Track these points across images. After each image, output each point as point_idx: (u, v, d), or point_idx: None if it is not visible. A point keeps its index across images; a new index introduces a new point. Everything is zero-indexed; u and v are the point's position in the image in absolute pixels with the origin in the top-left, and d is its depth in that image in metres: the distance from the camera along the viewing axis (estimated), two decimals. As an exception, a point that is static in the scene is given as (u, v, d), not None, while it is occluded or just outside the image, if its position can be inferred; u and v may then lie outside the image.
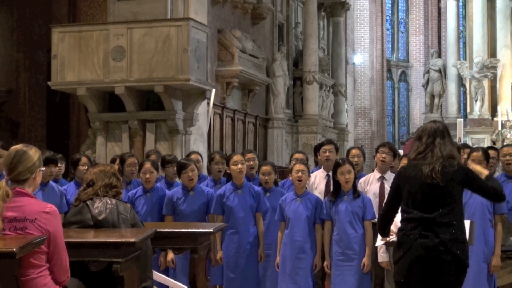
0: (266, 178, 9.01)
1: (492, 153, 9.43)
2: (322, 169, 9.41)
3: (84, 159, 9.84)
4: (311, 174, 9.19)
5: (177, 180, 9.54)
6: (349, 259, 7.98)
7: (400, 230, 5.60)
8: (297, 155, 10.08)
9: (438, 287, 5.47)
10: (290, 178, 8.80)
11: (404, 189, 5.60)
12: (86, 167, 9.29)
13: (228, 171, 9.07)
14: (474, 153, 8.10)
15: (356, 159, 9.15)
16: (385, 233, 5.96)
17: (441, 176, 5.43)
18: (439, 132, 5.65)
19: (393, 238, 5.86)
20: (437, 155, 5.53)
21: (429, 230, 5.42)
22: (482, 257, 7.75)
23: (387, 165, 8.71)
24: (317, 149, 10.21)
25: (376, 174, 8.64)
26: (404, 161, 8.31)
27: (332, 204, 8.13)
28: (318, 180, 9.22)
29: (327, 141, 9.65)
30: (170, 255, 8.55)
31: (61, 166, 9.70)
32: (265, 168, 9.11)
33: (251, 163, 9.44)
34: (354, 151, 9.49)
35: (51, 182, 9.00)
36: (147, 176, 9.04)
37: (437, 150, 5.55)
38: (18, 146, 5.13)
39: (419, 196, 5.50)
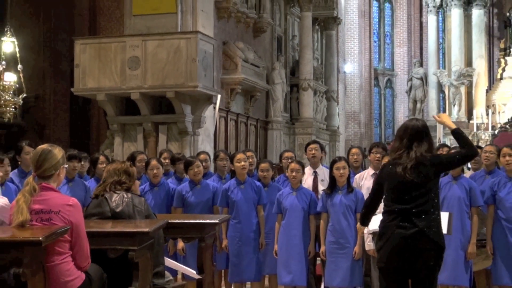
0: (264, 174, 9.03)
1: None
2: (309, 166, 9.42)
3: (102, 158, 9.86)
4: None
5: (186, 175, 9.55)
6: (342, 247, 7.97)
7: (381, 221, 5.54)
8: (287, 154, 10.11)
9: (417, 272, 5.41)
10: (286, 174, 8.83)
11: (385, 185, 5.56)
12: (104, 165, 9.32)
13: (232, 168, 9.11)
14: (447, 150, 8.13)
15: (355, 157, 9.22)
16: (365, 223, 5.97)
17: (414, 173, 5.35)
18: (419, 133, 5.53)
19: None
20: (411, 157, 5.41)
21: (407, 221, 5.35)
22: (459, 245, 7.74)
23: (381, 163, 8.74)
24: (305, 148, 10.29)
25: (370, 171, 8.65)
26: (386, 159, 8.32)
27: (328, 197, 8.14)
28: (306, 176, 9.22)
29: (312, 141, 9.70)
30: (181, 244, 8.55)
31: (85, 164, 9.70)
32: (263, 165, 9.15)
33: (250, 160, 9.44)
34: (354, 150, 9.51)
35: (77, 177, 9.01)
36: (154, 171, 9.03)
37: (412, 152, 5.43)
38: (44, 146, 5.14)
39: (396, 192, 5.44)
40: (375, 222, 6.03)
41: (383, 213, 5.57)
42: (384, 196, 5.60)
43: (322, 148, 9.56)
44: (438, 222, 5.45)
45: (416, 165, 5.37)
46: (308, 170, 9.36)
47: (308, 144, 9.53)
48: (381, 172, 5.70)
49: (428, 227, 5.34)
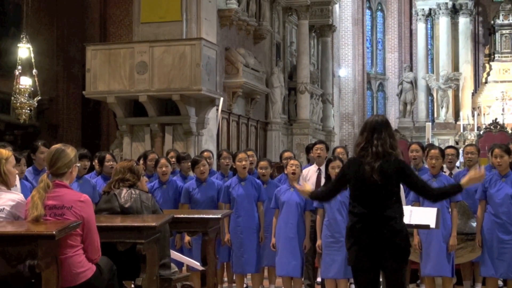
0: (263, 171, 9.06)
1: (451, 151, 9.45)
2: (314, 164, 9.45)
3: (108, 157, 9.82)
4: (304, 170, 9.24)
5: (191, 173, 9.55)
6: (337, 241, 7.93)
7: (349, 221, 5.43)
8: (286, 154, 10.16)
9: (384, 273, 5.32)
10: (286, 172, 8.83)
11: (350, 183, 5.42)
12: (111, 163, 9.34)
13: (234, 166, 9.12)
14: (432, 151, 8.12)
15: (340, 156, 9.20)
16: (312, 198, 6.01)
17: (380, 175, 5.18)
18: (378, 126, 5.36)
19: None
20: (376, 151, 5.24)
21: (371, 225, 5.22)
22: (441, 238, 7.74)
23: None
24: (309, 148, 10.30)
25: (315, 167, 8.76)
26: (338, 150, 8.37)
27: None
28: (310, 174, 9.25)
29: (319, 141, 9.71)
30: (187, 238, 8.56)
31: (95, 162, 9.71)
32: (262, 163, 9.18)
33: (251, 159, 9.47)
34: (339, 150, 9.56)
35: (85, 175, 9.00)
36: (163, 169, 9.04)
37: (376, 146, 5.26)
38: (57, 145, 5.13)
39: (361, 193, 5.30)
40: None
41: (348, 212, 5.45)
42: (349, 194, 5.46)
43: (327, 148, 9.59)
44: (403, 226, 5.30)
45: (381, 165, 5.20)
46: (313, 167, 9.40)
47: (315, 144, 9.55)
48: (346, 168, 5.53)
49: (392, 232, 5.21)
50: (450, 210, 7.84)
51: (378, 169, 5.18)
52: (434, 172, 8.00)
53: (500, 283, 8.75)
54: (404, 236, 5.27)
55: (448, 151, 9.39)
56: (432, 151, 8.11)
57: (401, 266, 5.30)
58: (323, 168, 9.40)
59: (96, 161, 9.66)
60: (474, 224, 8.09)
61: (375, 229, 5.20)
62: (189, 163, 9.55)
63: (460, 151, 12.00)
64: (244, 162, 8.79)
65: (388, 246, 5.18)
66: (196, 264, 6.92)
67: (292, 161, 8.62)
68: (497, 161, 7.84)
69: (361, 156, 5.33)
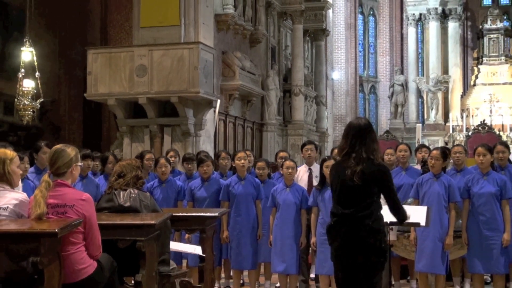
0: (261, 171, 9.07)
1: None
2: (304, 164, 9.45)
3: (111, 157, 9.88)
4: (297, 169, 9.23)
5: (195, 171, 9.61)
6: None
7: (330, 220, 5.39)
8: (281, 154, 10.19)
9: (361, 271, 5.21)
10: (281, 172, 8.84)
11: (333, 185, 5.42)
12: (112, 164, 9.36)
13: (234, 165, 9.14)
14: (434, 151, 8.10)
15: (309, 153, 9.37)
16: None
17: (361, 178, 5.13)
18: (362, 131, 5.29)
19: None
20: (359, 157, 5.19)
21: (348, 225, 5.18)
22: (437, 236, 7.73)
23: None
24: (301, 148, 10.33)
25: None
26: (336, 151, 8.34)
27: (319, 193, 8.10)
28: (301, 174, 9.26)
29: (308, 141, 9.69)
30: (187, 235, 8.58)
31: (98, 162, 9.74)
32: (260, 163, 9.20)
33: (248, 159, 9.49)
34: (335, 151, 9.54)
35: (89, 175, 9.02)
36: (163, 169, 9.09)
37: (359, 151, 5.21)
38: (58, 146, 5.14)
39: (341, 194, 5.27)
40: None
41: (330, 212, 5.42)
42: (332, 196, 5.44)
43: (316, 148, 9.59)
44: (379, 227, 5.24)
45: (363, 170, 5.14)
46: (304, 167, 9.40)
47: (304, 145, 9.54)
48: (331, 172, 5.53)
49: (368, 232, 5.15)
50: (447, 209, 7.84)
51: (360, 173, 5.14)
52: (436, 172, 7.93)
53: (488, 278, 8.77)
54: (381, 236, 5.22)
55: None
56: (434, 151, 8.07)
57: (377, 265, 5.24)
58: (313, 167, 9.42)
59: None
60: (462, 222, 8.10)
61: (353, 229, 5.16)
62: (190, 165, 9.60)
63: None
64: (243, 161, 8.82)
65: (365, 245, 5.14)
66: (195, 248, 6.91)
67: (287, 163, 8.60)
68: (479, 159, 7.89)
69: (343, 160, 5.30)
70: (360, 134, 5.28)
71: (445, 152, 8.19)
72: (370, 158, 5.20)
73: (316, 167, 9.36)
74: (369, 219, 5.15)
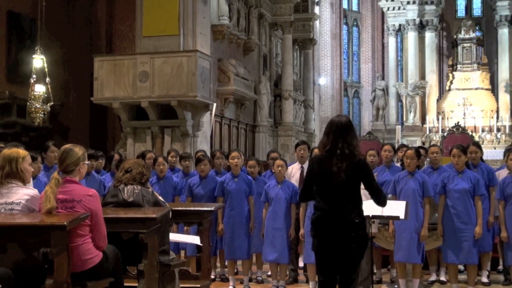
0: (252, 169, 9.07)
1: (421, 151, 9.50)
2: (297, 162, 9.45)
3: (116, 156, 9.89)
4: (289, 167, 9.24)
5: (192, 170, 9.61)
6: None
7: (313, 213, 5.29)
8: (272, 154, 10.22)
9: (344, 261, 5.14)
10: (272, 170, 8.84)
11: (315, 180, 5.25)
12: (116, 162, 9.39)
13: (228, 164, 9.14)
14: (409, 151, 8.11)
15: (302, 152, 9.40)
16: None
17: (346, 174, 5.05)
18: (343, 128, 5.17)
19: None
20: (342, 154, 5.09)
21: (333, 218, 5.10)
22: (413, 229, 7.75)
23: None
24: (295, 147, 10.38)
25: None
26: (316, 151, 8.28)
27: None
28: (294, 171, 9.25)
29: (301, 142, 9.68)
30: (186, 227, 8.57)
31: (102, 161, 9.72)
32: (251, 162, 9.19)
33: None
34: (316, 150, 9.56)
35: (93, 172, 9.02)
36: (161, 167, 9.13)
37: (341, 148, 5.10)
38: (67, 145, 5.15)
39: (326, 190, 5.15)
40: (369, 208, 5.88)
41: (314, 206, 5.31)
42: (315, 191, 5.27)
43: (309, 148, 9.60)
44: (361, 219, 5.17)
45: (348, 166, 5.06)
46: (296, 165, 9.39)
47: (298, 145, 9.53)
48: (312, 168, 5.34)
49: (350, 224, 5.09)
50: (422, 204, 7.86)
51: (345, 169, 5.06)
52: (411, 170, 7.94)
53: (461, 267, 8.80)
54: (363, 228, 5.17)
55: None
56: (409, 151, 8.09)
57: (358, 256, 5.18)
58: (305, 165, 9.41)
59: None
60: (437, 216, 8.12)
61: (337, 222, 5.10)
62: (187, 162, 9.60)
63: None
64: (236, 160, 8.82)
65: (348, 237, 5.08)
66: (194, 239, 6.91)
67: (278, 162, 8.63)
68: (455, 160, 7.93)
69: (326, 156, 5.18)
70: (341, 131, 5.17)
71: (418, 152, 8.23)
72: (353, 154, 5.13)
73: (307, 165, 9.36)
74: (353, 213, 5.12)
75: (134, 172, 5.80)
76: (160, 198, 5.97)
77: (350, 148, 5.13)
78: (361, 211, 5.21)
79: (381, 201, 5.32)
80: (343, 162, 5.08)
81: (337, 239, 5.10)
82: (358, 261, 5.22)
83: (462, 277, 8.65)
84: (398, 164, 9.54)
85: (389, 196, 8.00)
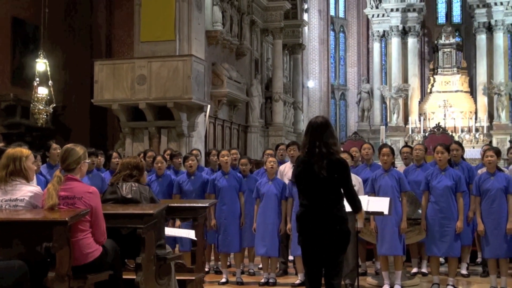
0: (244, 167, 9.10)
1: (406, 150, 9.54)
2: (289, 161, 9.43)
3: (115, 154, 9.91)
4: (281, 166, 9.27)
5: (182, 168, 9.59)
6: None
7: (298, 210, 5.24)
8: (268, 151, 10.21)
9: (328, 254, 5.10)
10: (265, 167, 8.85)
11: (299, 179, 5.22)
12: (117, 159, 9.41)
13: (219, 162, 9.15)
14: (384, 149, 8.13)
15: (282, 152, 9.56)
16: None
17: (327, 172, 5.00)
18: (320, 128, 5.12)
19: None
20: (320, 152, 5.05)
21: (316, 214, 5.06)
22: (394, 223, 7.78)
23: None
24: (277, 146, 10.45)
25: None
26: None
27: (293, 185, 8.08)
28: (286, 170, 9.24)
29: (292, 142, 9.66)
30: (178, 223, 8.56)
31: (101, 158, 9.71)
32: (243, 160, 9.21)
33: (235, 156, 9.52)
34: (281, 146, 9.74)
35: (95, 170, 9.01)
36: (159, 165, 9.14)
37: (319, 147, 5.05)
38: (69, 145, 5.13)
39: (309, 188, 5.11)
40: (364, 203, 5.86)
41: (299, 204, 5.26)
42: (298, 189, 5.27)
43: (299, 148, 9.59)
44: (342, 214, 5.12)
45: (327, 164, 5.02)
46: (289, 164, 9.37)
47: (289, 145, 9.51)
48: (297, 167, 5.28)
49: (333, 218, 5.05)
50: (400, 199, 7.89)
51: (325, 166, 5.03)
52: (386, 167, 8.00)
53: (442, 260, 8.82)
54: (345, 223, 5.13)
55: (404, 149, 9.58)
56: (384, 149, 8.13)
57: (341, 249, 5.15)
58: None
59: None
60: (421, 212, 8.14)
61: (320, 216, 5.06)
62: (180, 159, 9.63)
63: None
64: (226, 158, 8.84)
65: (331, 231, 5.05)
66: (190, 233, 6.89)
67: (271, 158, 8.68)
68: (438, 157, 7.94)
69: (307, 156, 5.15)
70: (318, 131, 5.13)
71: (392, 149, 8.26)
72: (330, 152, 5.07)
73: None
74: (335, 208, 5.08)
75: (121, 174, 5.80)
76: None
77: (327, 147, 5.08)
78: (343, 205, 5.17)
79: (356, 204, 5.22)
80: (322, 160, 5.05)
81: (320, 233, 5.07)
82: (341, 254, 5.18)
83: (442, 269, 8.68)
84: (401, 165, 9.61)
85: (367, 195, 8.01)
